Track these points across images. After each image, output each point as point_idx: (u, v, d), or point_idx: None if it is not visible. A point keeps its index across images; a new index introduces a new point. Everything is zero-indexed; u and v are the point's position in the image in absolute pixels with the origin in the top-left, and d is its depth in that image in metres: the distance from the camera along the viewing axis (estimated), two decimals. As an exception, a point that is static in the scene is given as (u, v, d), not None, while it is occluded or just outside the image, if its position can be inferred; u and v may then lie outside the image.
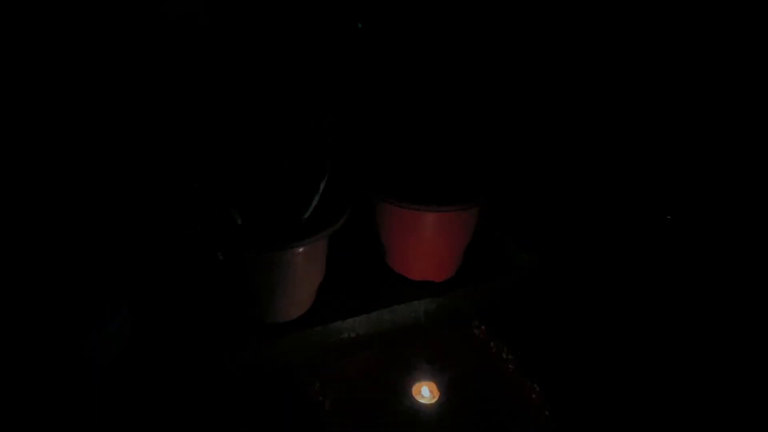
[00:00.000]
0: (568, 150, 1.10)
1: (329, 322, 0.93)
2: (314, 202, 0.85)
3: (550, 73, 1.05)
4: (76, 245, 0.81)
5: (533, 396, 0.86)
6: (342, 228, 0.87)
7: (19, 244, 0.79)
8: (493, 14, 0.98)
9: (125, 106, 0.83)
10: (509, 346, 0.95)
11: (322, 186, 0.84)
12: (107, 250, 0.84)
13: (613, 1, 1.00)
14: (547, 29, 1.02)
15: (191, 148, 0.83)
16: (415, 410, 0.84)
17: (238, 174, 0.84)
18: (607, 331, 0.97)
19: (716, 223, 1.07)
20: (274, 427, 0.80)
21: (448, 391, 0.87)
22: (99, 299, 0.80)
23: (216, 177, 0.82)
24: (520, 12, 1.00)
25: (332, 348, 0.94)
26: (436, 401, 0.85)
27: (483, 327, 1.00)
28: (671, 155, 1.08)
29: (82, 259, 0.82)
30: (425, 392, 0.86)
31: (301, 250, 0.84)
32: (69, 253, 0.81)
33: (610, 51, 1.03)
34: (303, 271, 0.89)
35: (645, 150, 1.09)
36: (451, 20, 0.97)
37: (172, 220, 0.84)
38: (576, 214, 1.12)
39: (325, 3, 0.91)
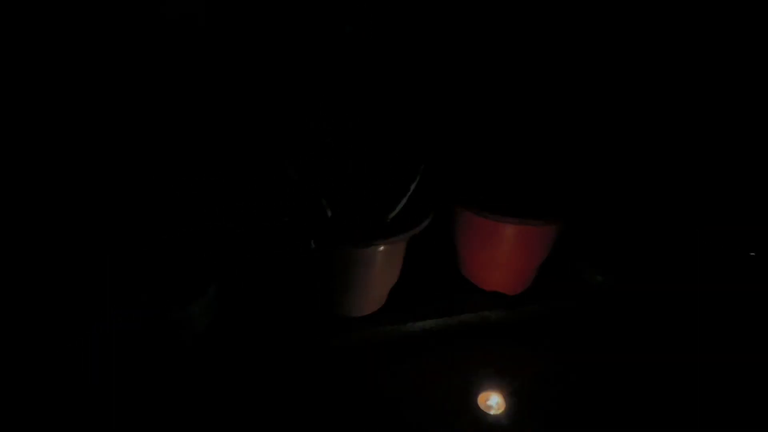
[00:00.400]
0: (650, 175, 1.08)
1: (399, 323, 0.95)
2: (402, 204, 0.87)
3: (634, 102, 1.04)
4: (171, 232, 0.87)
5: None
6: (420, 232, 0.89)
7: (129, 233, 0.86)
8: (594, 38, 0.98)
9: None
10: (578, 364, 0.94)
11: (412, 188, 0.86)
12: (197, 236, 0.89)
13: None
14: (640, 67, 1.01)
15: (292, 141, 0.87)
16: (481, 420, 0.84)
17: (333, 169, 0.87)
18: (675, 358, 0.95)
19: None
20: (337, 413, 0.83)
21: (515, 403, 0.86)
22: (189, 280, 0.86)
23: (312, 170, 0.86)
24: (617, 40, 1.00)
25: (400, 348, 0.95)
26: (503, 412, 0.85)
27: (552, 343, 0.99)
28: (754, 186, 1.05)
29: (175, 244, 0.87)
30: (492, 402, 0.86)
31: (382, 248, 0.86)
32: (164, 239, 0.87)
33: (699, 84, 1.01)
34: (381, 270, 0.91)
35: (728, 181, 1.06)
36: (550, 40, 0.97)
37: (266, 209, 0.88)
38: (654, 239, 1.10)
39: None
